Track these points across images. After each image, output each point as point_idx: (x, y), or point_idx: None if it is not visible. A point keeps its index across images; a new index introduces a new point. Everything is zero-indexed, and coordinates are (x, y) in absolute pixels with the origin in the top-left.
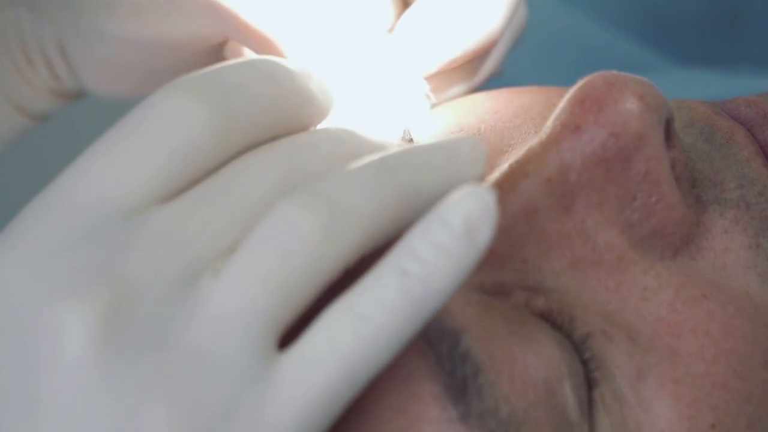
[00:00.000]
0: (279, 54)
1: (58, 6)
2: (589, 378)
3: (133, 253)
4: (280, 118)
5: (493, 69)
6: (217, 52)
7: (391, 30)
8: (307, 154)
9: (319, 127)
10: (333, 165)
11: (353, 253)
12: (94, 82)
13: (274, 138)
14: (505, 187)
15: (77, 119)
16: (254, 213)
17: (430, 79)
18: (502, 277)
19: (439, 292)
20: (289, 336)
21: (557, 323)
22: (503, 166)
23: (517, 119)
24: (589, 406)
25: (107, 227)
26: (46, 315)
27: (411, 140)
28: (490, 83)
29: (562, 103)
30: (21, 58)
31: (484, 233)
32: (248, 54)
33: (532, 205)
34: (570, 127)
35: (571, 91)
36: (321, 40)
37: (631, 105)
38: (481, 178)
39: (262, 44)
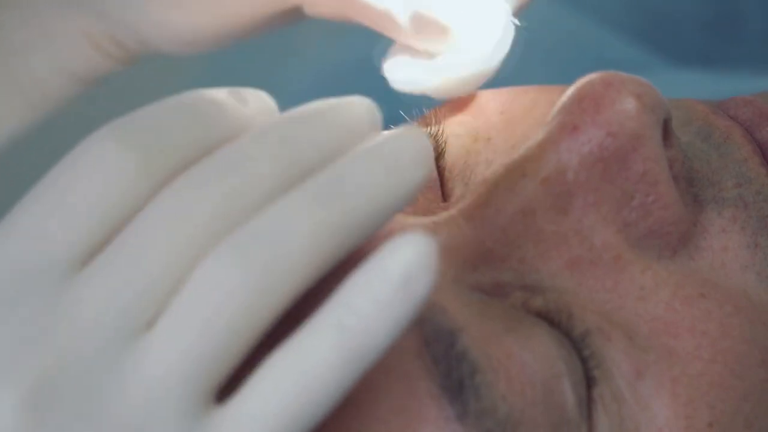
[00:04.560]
0: None
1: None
2: (588, 376)
3: (58, 319)
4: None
5: None
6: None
7: None
8: (242, 170)
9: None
10: (271, 190)
11: (288, 300)
12: (164, 49)
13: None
14: (502, 186)
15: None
16: (183, 262)
17: None
18: (500, 276)
19: (377, 345)
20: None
21: (555, 321)
22: (501, 166)
23: (521, 119)
24: (588, 405)
25: (31, 292)
26: None
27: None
28: (490, 83)
29: (560, 103)
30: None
31: (423, 285)
32: None
33: (529, 205)
34: (567, 126)
35: (569, 91)
36: None
37: (629, 105)
38: (425, 181)
39: None
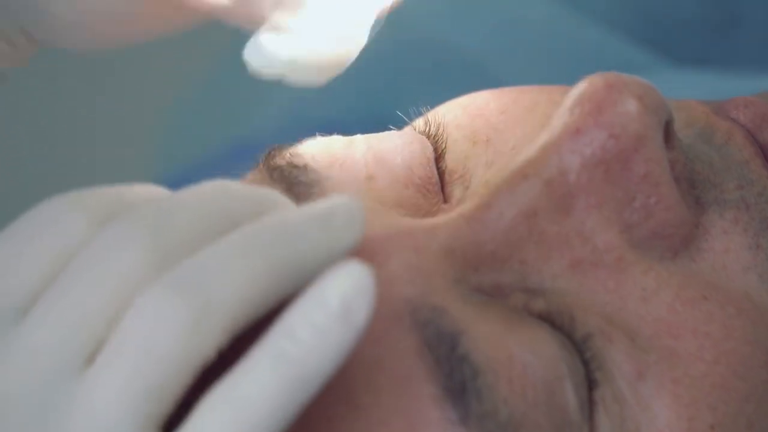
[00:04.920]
0: None
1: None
2: (590, 379)
3: (2, 362)
4: None
5: None
6: None
7: None
8: (173, 221)
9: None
10: (202, 233)
11: (224, 337)
12: (67, 43)
13: None
14: (504, 189)
15: None
16: (118, 304)
17: None
18: (501, 278)
19: (318, 373)
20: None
21: (557, 324)
22: (503, 168)
23: (522, 120)
24: (590, 407)
25: None
26: None
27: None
28: (491, 85)
29: (562, 105)
30: None
31: (362, 312)
32: None
33: (531, 207)
34: (570, 128)
35: (571, 93)
36: None
37: (631, 106)
38: (357, 243)
39: None
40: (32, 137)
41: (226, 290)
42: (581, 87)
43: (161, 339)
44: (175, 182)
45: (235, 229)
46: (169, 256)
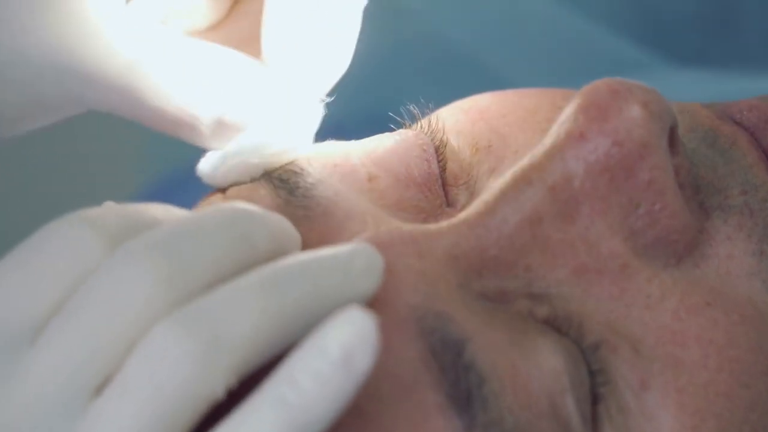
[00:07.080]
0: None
1: None
2: (595, 393)
3: (10, 389)
4: None
5: None
6: None
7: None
8: (190, 249)
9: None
10: (219, 261)
11: (233, 377)
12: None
13: None
14: (508, 195)
15: None
16: (129, 337)
17: None
18: (505, 284)
19: (319, 420)
20: None
21: (563, 330)
22: (507, 174)
23: (524, 123)
24: (594, 418)
25: None
26: None
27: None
28: (492, 84)
29: (566, 110)
30: None
31: (364, 360)
32: None
33: (535, 213)
34: (574, 135)
35: (575, 98)
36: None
37: (635, 113)
38: (374, 292)
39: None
40: (30, 137)
41: (237, 331)
42: (585, 92)
43: (168, 376)
44: (171, 183)
45: (253, 265)
46: (185, 287)
